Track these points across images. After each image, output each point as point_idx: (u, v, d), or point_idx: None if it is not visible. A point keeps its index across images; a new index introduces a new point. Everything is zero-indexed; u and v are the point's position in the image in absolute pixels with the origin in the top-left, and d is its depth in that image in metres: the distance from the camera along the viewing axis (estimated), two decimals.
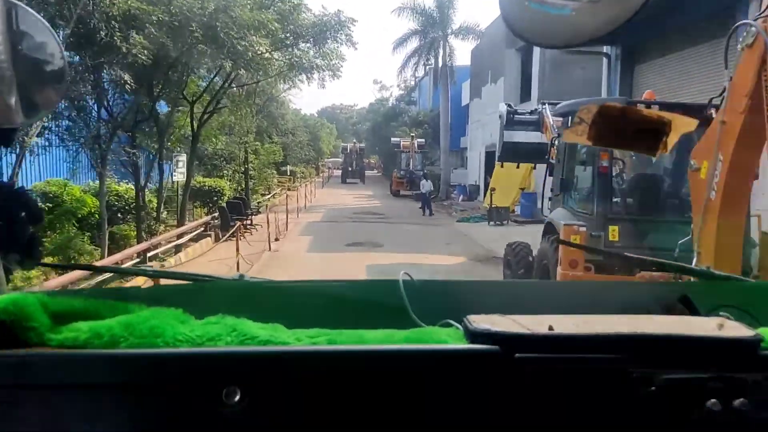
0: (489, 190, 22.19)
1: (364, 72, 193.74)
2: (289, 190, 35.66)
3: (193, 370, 0.85)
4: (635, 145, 1.40)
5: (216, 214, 16.42)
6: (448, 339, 0.93)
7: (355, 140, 57.68)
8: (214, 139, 19.67)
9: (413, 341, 0.93)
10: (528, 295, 1.43)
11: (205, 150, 20.85)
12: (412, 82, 56.00)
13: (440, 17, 32.96)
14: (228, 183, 21.48)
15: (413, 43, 35.66)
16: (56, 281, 7.08)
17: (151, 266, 9.81)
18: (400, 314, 1.08)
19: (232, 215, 16.59)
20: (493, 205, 20.48)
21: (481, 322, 0.91)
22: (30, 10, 1.25)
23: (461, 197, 28.13)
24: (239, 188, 24.05)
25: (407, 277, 1.19)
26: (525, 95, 23.38)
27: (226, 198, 18.93)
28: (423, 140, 35.06)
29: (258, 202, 25.08)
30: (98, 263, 9.43)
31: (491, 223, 19.90)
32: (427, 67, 49.09)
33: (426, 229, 19.67)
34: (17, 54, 1.18)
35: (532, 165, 22.24)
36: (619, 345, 0.87)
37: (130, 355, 0.87)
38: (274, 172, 31.58)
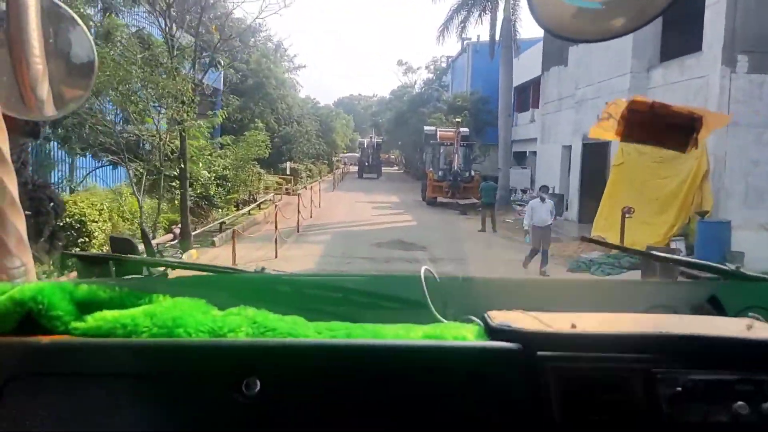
0: (622, 214, 11.82)
1: (385, 56, 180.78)
2: (288, 194, 25.64)
3: (213, 360, 0.84)
4: (665, 141, 1.01)
5: None
6: (468, 335, 0.90)
7: (372, 134, 51.75)
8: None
9: (432, 337, 0.90)
10: (551, 292, 1.34)
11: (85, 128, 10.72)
12: (444, 64, 45.67)
13: None
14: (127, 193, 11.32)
15: None
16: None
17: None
18: (421, 310, 1.03)
19: None
20: (651, 245, 10.11)
21: (502, 318, 0.89)
22: (62, 4, 1.23)
23: None
24: (171, 204, 13.89)
25: (429, 273, 1.10)
26: (678, 45, 12.93)
27: (98, 236, 8.63)
28: (467, 130, 24.60)
29: (221, 224, 14.95)
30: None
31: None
32: (465, 42, 38.64)
33: None
34: (49, 48, 1.16)
35: (707, 160, 12.03)
36: (643, 344, 0.84)
37: (152, 345, 0.85)
38: (261, 171, 21.36)
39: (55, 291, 0.92)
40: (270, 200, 22.12)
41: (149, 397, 0.83)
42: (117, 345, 0.86)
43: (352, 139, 63.04)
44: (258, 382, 0.80)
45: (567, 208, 17.32)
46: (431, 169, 24.42)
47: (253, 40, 33.55)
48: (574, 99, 17.35)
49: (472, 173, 23.43)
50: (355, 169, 48.33)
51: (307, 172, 32.14)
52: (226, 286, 1.28)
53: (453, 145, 23.77)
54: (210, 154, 19.55)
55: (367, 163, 45.33)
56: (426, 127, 27.55)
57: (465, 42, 38.13)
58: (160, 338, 0.87)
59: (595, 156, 15.90)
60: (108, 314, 0.91)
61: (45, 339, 0.87)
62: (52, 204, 1.30)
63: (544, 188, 11.95)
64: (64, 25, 1.22)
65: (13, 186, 1.13)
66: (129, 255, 1.42)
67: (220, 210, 17.06)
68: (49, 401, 0.81)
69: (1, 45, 1.13)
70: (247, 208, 17.94)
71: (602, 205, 13.76)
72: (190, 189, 16.57)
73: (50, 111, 1.20)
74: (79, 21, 1.23)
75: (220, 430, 0.82)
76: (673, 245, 11.16)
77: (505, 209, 20.48)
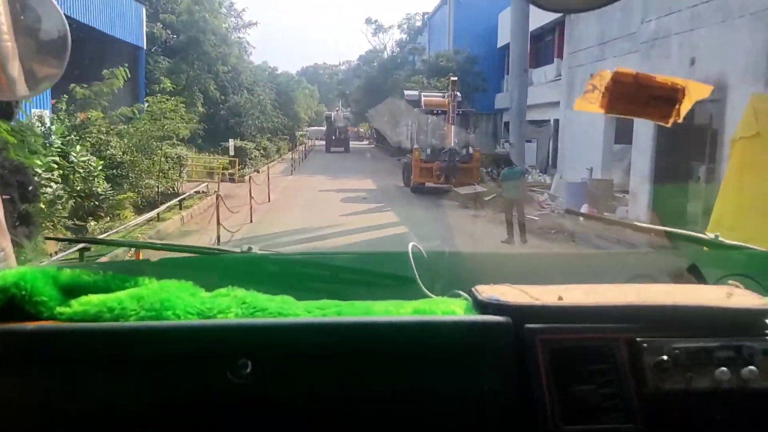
0: None
1: (352, 15, 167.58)
2: (233, 180, 19.36)
3: (203, 342, 0.81)
4: (648, 113, 1.27)
5: None
6: (457, 310, 0.89)
7: (338, 107, 47.19)
8: None
9: (421, 312, 0.89)
10: (537, 266, 1.35)
11: None
12: (419, 23, 39.22)
13: None
14: None
15: None
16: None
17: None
18: (410, 286, 1.02)
19: None
20: None
21: (490, 292, 0.89)
22: None
23: (584, 207, 11.78)
24: None
25: (416, 249, 1.07)
26: None
27: None
28: (459, 94, 18.36)
29: (82, 251, 8.63)
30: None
31: None
32: None
33: None
34: (18, 25, 1.09)
35: None
36: (628, 314, 0.85)
37: (140, 328, 0.82)
38: (184, 153, 14.85)
39: (38, 276, 0.89)
40: (203, 192, 15.74)
41: (138, 380, 0.80)
42: (105, 329, 0.83)
43: (317, 111, 56.45)
44: (249, 363, 0.78)
45: (629, 202, 11.52)
46: (417, 146, 18.33)
47: None
48: (636, 39, 11.43)
49: (471, 150, 17.46)
50: (321, 144, 44.33)
51: (260, 151, 25.59)
52: (213, 267, 1.24)
53: (444, 114, 17.72)
54: (107, 132, 13.10)
55: (334, 137, 41.57)
56: (407, 92, 21.35)
57: None
58: (148, 321, 0.84)
59: (682, 124, 10.06)
60: (94, 298, 0.88)
61: (30, 325, 0.83)
62: (30, 188, 1.21)
63: None
64: (34, 1, 1.13)
65: None
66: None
67: (104, 218, 10.73)
68: (37, 387, 0.79)
69: None
70: (154, 212, 11.58)
71: (722, 200, 8.11)
72: (60, 185, 10.29)
73: (23, 90, 1.14)
74: None
75: (212, 411, 0.79)
76: None
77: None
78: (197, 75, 22.04)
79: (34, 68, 1.13)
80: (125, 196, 11.04)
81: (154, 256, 1.32)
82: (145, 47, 21.83)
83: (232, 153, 21.03)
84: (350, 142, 42.72)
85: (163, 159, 12.58)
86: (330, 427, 0.80)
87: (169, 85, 13.64)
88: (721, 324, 0.84)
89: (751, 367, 0.80)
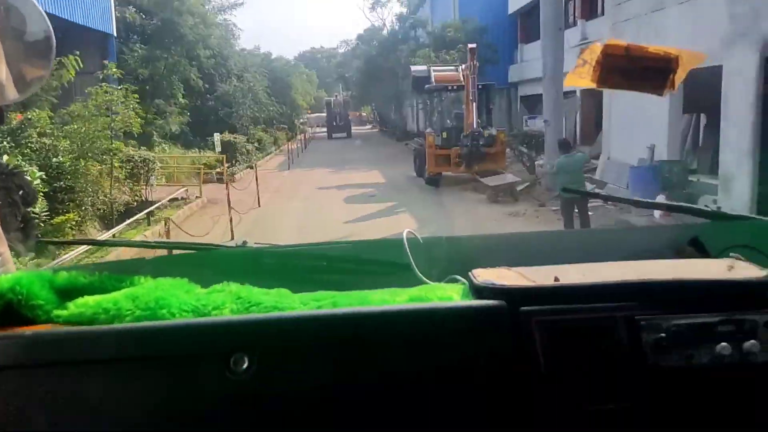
0: None
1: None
2: (220, 180, 16.59)
3: (199, 339, 0.80)
4: (642, 85, 1.24)
5: None
6: (453, 295, 0.88)
7: (337, 93, 45.70)
8: None
9: (417, 299, 0.88)
10: (536, 246, 1.31)
11: None
12: None
13: None
14: None
15: None
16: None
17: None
18: (407, 273, 1.00)
19: None
20: None
21: (486, 276, 0.87)
22: None
23: (661, 197, 8.89)
24: None
25: (412, 235, 1.06)
26: None
27: None
28: (477, 64, 15.20)
29: None
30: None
31: None
32: None
33: None
34: (3, 28, 1.09)
35: None
36: (625, 292, 0.82)
37: (136, 329, 0.82)
38: (151, 153, 12.03)
39: (34, 280, 0.89)
40: (182, 198, 12.98)
41: (137, 381, 0.79)
42: (100, 332, 0.82)
43: (317, 97, 53.44)
44: (245, 358, 0.78)
45: (719, 189, 8.68)
46: (430, 129, 15.46)
47: None
48: None
49: (493, 131, 14.56)
50: (323, 131, 43.90)
51: (254, 144, 22.76)
52: (208, 263, 1.22)
53: (459, 90, 14.82)
54: (54, 135, 10.28)
55: (335, 123, 40.94)
56: (413, 67, 18.34)
57: None
58: (143, 321, 0.84)
59: None
60: (90, 300, 0.88)
61: (28, 330, 0.83)
62: (21, 192, 1.18)
63: None
64: (16, 4, 1.11)
65: None
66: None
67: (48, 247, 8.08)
68: (36, 393, 0.79)
69: None
70: (107, 233, 8.86)
71: None
72: None
73: (12, 94, 1.12)
74: None
75: (210, 408, 0.79)
76: None
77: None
78: (176, 62, 19.19)
79: (23, 71, 1.12)
80: (63, 218, 8.33)
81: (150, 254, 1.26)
82: (115, 34, 19.09)
83: (219, 149, 18.27)
84: (352, 128, 42.07)
85: (117, 163, 9.86)
86: (330, 419, 0.79)
87: (115, 71, 10.83)
88: (721, 298, 0.82)
89: (753, 341, 0.78)
